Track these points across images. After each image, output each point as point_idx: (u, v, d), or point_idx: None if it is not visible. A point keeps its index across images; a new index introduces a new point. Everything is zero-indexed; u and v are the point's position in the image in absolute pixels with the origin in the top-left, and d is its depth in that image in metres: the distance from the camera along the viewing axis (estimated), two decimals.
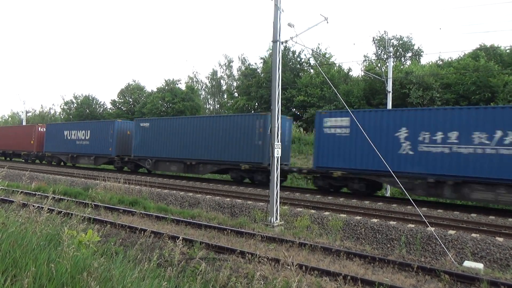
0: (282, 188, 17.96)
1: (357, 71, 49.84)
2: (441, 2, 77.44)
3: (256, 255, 7.36)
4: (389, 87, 23.22)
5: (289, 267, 6.14)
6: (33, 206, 6.59)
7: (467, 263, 8.39)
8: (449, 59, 35.74)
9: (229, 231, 10.07)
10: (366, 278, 6.79)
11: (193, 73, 79.79)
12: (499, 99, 26.79)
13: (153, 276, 4.68)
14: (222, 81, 57.07)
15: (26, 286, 3.35)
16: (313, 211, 13.47)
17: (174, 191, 17.69)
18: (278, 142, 11.98)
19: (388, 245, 11.08)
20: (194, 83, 57.70)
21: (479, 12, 71.05)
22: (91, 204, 12.59)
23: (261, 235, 9.67)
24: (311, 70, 40.74)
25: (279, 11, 11.84)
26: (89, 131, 28.73)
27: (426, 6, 73.92)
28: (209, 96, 58.40)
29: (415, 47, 41.49)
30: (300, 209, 13.68)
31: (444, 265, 8.12)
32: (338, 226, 11.77)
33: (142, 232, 8.36)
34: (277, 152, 11.91)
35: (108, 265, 4.46)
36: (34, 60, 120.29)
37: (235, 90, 50.67)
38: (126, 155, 26.40)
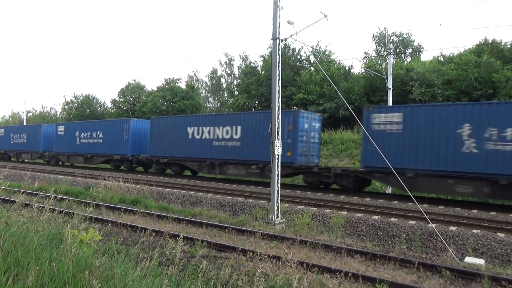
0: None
1: (358, 68, 49.74)
2: None
3: (257, 253, 7.36)
4: (389, 84, 23.19)
5: (289, 264, 6.15)
6: (35, 205, 6.61)
7: (468, 259, 8.39)
8: (450, 55, 35.61)
9: (230, 229, 10.08)
10: (367, 275, 6.80)
11: (193, 71, 79.84)
12: (501, 94, 26.71)
13: (154, 275, 4.69)
14: (222, 79, 57.04)
15: (28, 285, 3.37)
16: (314, 208, 13.48)
17: (175, 190, 17.72)
18: (278, 140, 11.98)
19: (389, 242, 11.10)
20: (194, 81, 57.68)
21: (478, 7, 70.83)
22: (92, 203, 12.57)
23: (262, 233, 9.67)
24: (311, 68, 40.66)
25: (278, 9, 11.81)
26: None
27: (425, 2, 73.72)
28: (209, 95, 58.37)
29: (415, 44, 41.41)
30: (301, 207, 13.69)
31: (445, 261, 8.11)
32: (339, 223, 11.78)
33: (143, 231, 8.37)
34: (278, 150, 11.91)
35: (109, 263, 4.47)
36: (35, 60, 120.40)
37: (235, 88, 50.62)
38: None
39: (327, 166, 21.22)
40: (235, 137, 20.76)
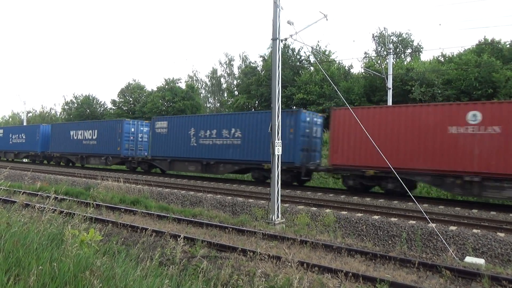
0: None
1: (358, 68, 49.63)
2: None
3: (258, 253, 7.36)
4: (389, 84, 23.22)
5: (290, 264, 6.17)
6: (36, 206, 6.62)
7: (468, 259, 8.39)
8: (450, 54, 35.59)
9: (231, 229, 10.09)
10: (367, 275, 6.81)
11: (193, 72, 79.84)
12: (501, 94, 26.69)
13: (155, 275, 4.69)
14: (222, 79, 57.01)
15: (29, 285, 3.38)
16: (314, 208, 13.48)
17: (176, 190, 17.72)
18: (278, 140, 11.99)
19: (389, 242, 11.11)
20: (194, 82, 57.65)
21: (478, 7, 70.84)
22: (92, 203, 12.56)
23: (262, 233, 9.67)
24: (311, 68, 40.65)
25: (278, 9, 11.82)
26: None
27: (425, 2, 73.73)
28: (209, 95, 58.34)
29: (415, 43, 41.41)
30: (301, 207, 13.70)
31: (446, 261, 8.12)
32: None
33: (144, 231, 8.38)
34: (278, 150, 11.91)
35: (110, 263, 4.48)
36: (35, 61, 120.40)
37: (235, 89, 50.60)
38: None
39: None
40: (93, 137, 29.19)
